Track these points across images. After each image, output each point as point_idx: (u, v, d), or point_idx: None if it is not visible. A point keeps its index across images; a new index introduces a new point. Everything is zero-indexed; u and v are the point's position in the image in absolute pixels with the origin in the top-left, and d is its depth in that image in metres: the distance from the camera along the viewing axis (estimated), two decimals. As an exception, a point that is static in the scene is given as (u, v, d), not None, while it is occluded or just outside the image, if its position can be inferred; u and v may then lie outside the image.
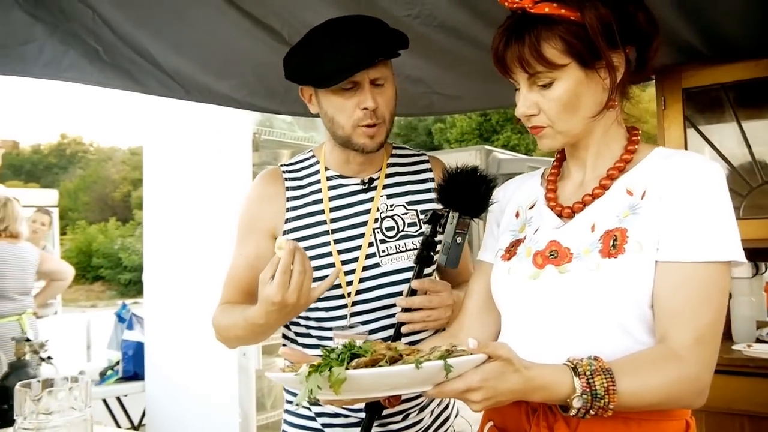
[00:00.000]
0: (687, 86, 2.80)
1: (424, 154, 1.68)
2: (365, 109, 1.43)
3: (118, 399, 3.89)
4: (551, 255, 1.16)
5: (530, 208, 1.29)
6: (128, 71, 1.86)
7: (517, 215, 1.31)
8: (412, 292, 1.40)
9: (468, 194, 1.30)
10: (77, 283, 21.01)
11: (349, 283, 1.51)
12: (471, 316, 1.34)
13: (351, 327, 1.51)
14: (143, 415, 3.84)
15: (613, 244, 1.10)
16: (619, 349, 1.07)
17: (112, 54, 1.81)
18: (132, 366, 3.73)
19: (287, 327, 1.64)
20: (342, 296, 1.51)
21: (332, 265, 1.51)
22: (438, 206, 1.37)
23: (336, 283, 1.50)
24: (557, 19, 1.09)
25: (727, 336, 2.82)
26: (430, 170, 1.65)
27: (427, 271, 1.50)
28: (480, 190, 1.30)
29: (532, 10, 1.10)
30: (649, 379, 1.02)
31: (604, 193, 1.18)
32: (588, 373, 1.00)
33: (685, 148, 2.80)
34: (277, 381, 1.04)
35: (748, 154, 2.74)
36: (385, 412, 1.54)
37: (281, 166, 1.64)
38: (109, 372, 3.78)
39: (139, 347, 3.75)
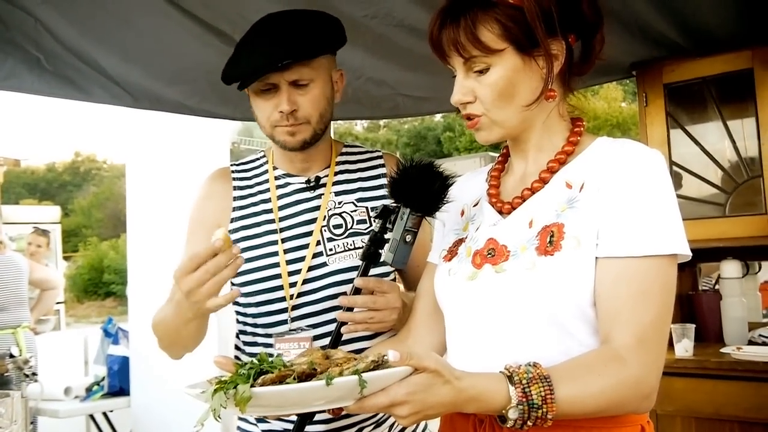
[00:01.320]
0: (668, 81, 2.73)
1: (378, 152, 1.62)
2: (281, 112, 1.39)
3: (105, 415, 3.84)
4: (489, 254, 1.10)
5: (474, 205, 1.24)
6: (71, 79, 1.82)
7: (462, 213, 1.26)
8: (356, 291, 1.32)
9: (421, 190, 1.21)
10: (89, 299, 21.13)
11: (293, 285, 1.44)
12: (419, 320, 1.28)
13: (292, 331, 1.45)
14: (130, 434, 3.82)
15: (549, 240, 1.04)
16: (561, 352, 1.01)
17: (54, 62, 1.78)
18: (117, 381, 3.69)
19: (237, 336, 1.59)
20: (284, 299, 1.45)
21: (277, 265, 1.45)
22: (390, 201, 1.29)
23: (278, 284, 1.45)
24: (495, 1, 1.05)
25: (719, 338, 2.73)
26: (382, 166, 1.58)
27: (379, 271, 1.43)
28: (434, 186, 1.21)
29: None
30: (589, 384, 0.95)
31: (543, 186, 1.12)
32: (524, 381, 0.93)
33: (668, 145, 2.72)
34: (191, 396, 0.98)
35: (733, 150, 2.65)
36: (336, 425, 1.47)
37: (231, 165, 1.61)
38: (95, 387, 3.75)
39: (124, 362, 3.71)
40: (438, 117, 27.02)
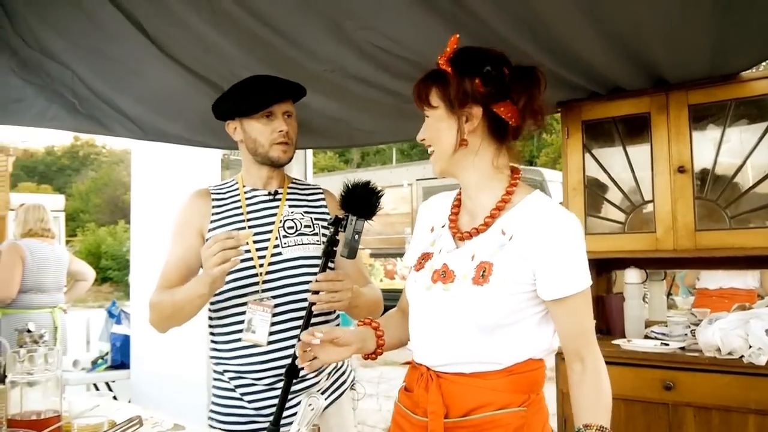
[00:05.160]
0: (585, 118, 3.22)
1: (319, 187, 2.21)
2: (281, 131, 1.97)
3: (108, 384, 4.40)
4: (442, 274, 1.45)
5: (441, 226, 1.56)
6: (98, 119, 2.35)
7: (431, 230, 1.59)
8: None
9: (363, 202, 1.71)
10: (87, 284, 21.29)
11: (261, 265, 1.98)
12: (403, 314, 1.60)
13: (261, 300, 1.96)
14: (129, 401, 4.34)
15: (482, 274, 1.39)
16: (480, 346, 1.40)
17: (86, 105, 2.30)
18: (119, 356, 4.24)
19: (210, 309, 2.06)
20: (256, 275, 1.97)
21: (248, 251, 1.96)
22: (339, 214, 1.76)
23: (251, 265, 1.97)
24: (445, 75, 1.43)
25: (622, 333, 3.23)
26: (323, 197, 2.17)
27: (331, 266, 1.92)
28: (372, 199, 1.72)
29: (442, 66, 1.45)
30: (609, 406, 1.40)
31: (486, 229, 1.45)
32: None
33: (584, 171, 3.25)
34: None
35: (632, 178, 3.17)
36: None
37: (210, 186, 2.17)
38: (99, 361, 4.30)
39: (125, 340, 4.26)
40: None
